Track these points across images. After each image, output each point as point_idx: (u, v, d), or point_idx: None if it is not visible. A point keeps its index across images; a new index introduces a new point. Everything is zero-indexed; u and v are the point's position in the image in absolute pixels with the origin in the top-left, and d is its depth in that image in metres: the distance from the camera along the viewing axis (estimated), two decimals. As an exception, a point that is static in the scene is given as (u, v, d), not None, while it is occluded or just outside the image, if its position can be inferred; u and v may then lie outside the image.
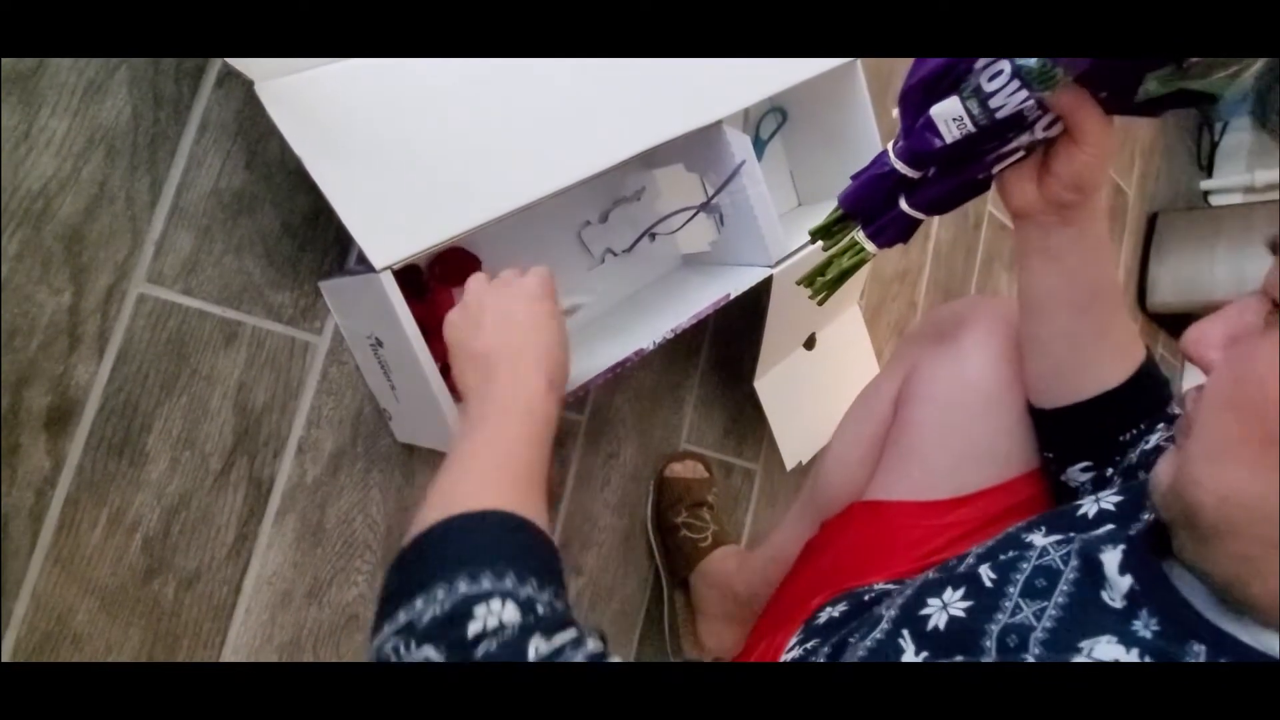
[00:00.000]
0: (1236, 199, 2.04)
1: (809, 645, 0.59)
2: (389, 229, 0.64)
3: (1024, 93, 0.46)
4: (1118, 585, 0.41)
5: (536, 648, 0.36)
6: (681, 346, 1.05)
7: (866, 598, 0.61)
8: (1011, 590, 0.44)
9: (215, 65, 0.69)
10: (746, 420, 1.13)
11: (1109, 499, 0.49)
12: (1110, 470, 0.58)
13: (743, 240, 0.88)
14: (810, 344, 1.15)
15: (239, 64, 0.60)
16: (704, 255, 0.96)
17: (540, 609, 0.39)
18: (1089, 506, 0.49)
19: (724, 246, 0.92)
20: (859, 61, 0.95)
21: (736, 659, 0.74)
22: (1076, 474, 0.60)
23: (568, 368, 0.61)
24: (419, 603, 0.39)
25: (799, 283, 0.65)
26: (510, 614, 0.37)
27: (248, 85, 0.62)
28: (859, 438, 0.72)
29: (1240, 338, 0.39)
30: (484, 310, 0.61)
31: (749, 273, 0.87)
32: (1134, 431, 0.57)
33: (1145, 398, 0.58)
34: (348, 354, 0.78)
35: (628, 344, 0.78)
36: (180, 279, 0.68)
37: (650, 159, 0.92)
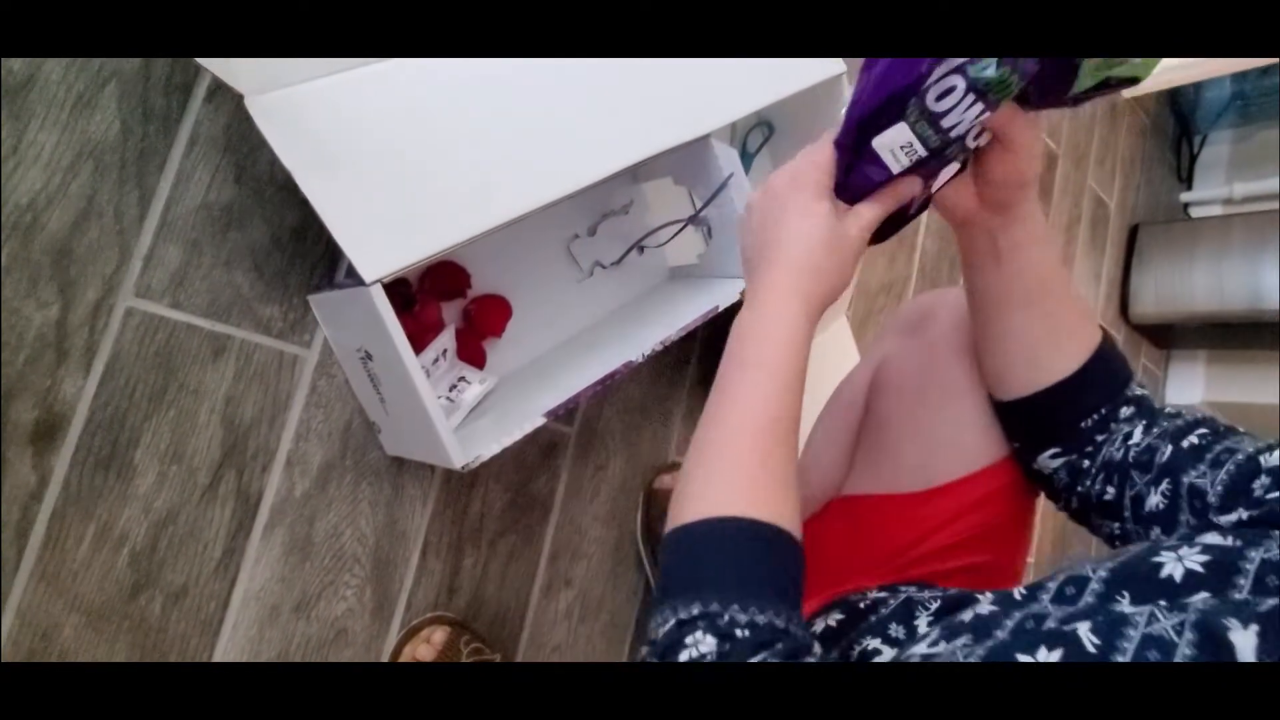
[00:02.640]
0: (1216, 211, 2.07)
1: None
2: (379, 242, 0.64)
3: (980, 105, 0.46)
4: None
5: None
6: (670, 359, 1.06)
7: (862, 605, 0.61)
8: (1119, 659, 0.39)
9: (205, 80, 0.70)
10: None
11: (1192, 558, 0.45)
12: (1085, 461, 0.58)
13: (731, 253, 0.89)
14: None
15: (229, 78, 0.60)
16: (692, 268, 0.97)
17: (739, 632, 0.40)
18: (1171, 567, 0.45)
19: (712, 259, 0.93)
20: (844, 75, 0.96)
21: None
22: (1047, 461, 0.60)
23: (822, 271, 0.51)
24: (657, 617, 0.43)
25: None
26: (708, 644, 0.40)
27: (237, 100, 0.62)
28: (834, 432, 0.72)
29: None
30: (751, 210, 0.55)
31: (737, 285, 0.88)
32: (1096, 416, 0.58)
33: (1102, 382, 0.58)
34: (337, 367, 0.78)
35: (616, 356, 0.78)
36: (168, 293, 0.68)
37: (638, 173, 0.93)
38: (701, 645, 0.40)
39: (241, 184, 0.72)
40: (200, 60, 0.56)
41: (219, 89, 0.70)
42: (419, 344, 0.76)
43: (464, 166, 0.70)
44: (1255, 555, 0.43)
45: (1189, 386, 2.14)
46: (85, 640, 0.64)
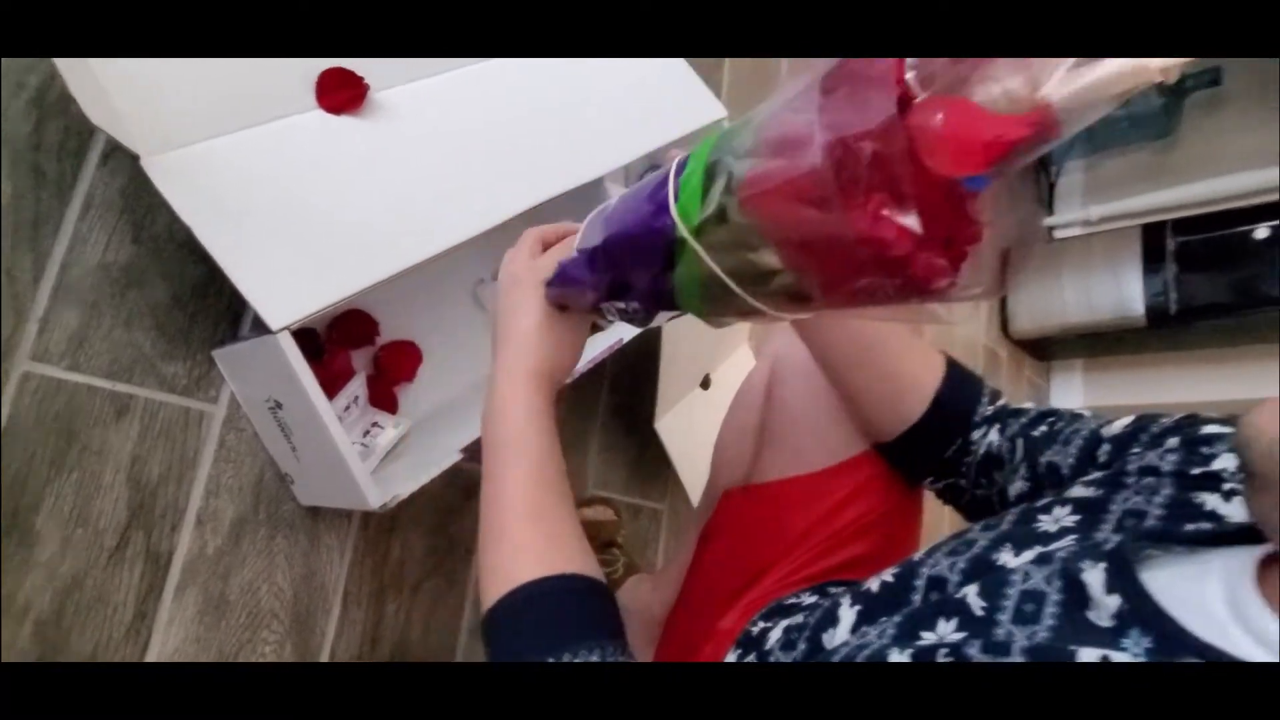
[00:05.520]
0: (1076, 232, 2.26)
1: (750, 660, 0.61)
2: (284, 291, 0.66)
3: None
4: (1105, 605, 0.40)
5: None
6: (581, 396, 1.09)
7: (789, 603, 0.64)
8: (1002, 618, 0.43)
9: (99, 144, 0.70)
10: (650, 462, 1.16)
11: (1067, 518, 0.51)
12: (962, 480, 0.64)
13: (630, 288, 0.93)
14: (705, 384, 1.20)
15: (125, 139, 0.62)
16: (596, 305, 1.01)
17: None
18: (1048, 525, 0.51)
19: (614, 295, 0.97)
20: (725, 119, 1.04)
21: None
22: (931, 486, 0.67)
23: (546, 354, 0.57)
24: None
25: None
26: None
27: (133, 161, 0.63)
28: (740, 428, 0.77)
29: None
30: (497, 300, 0.60)
31: (639, 318, 0.92)
32: (956, 445, 0.64)
33: (951, 416, 0.64)
34: (245, 421, 0.78)
35: (527, 391, 0.81)
36: (66, 355, 0.68)
37: (537, 216, 0.97)
38: None
39: (140, 244, 0.72)
40: (96, 121, 0.57)
41: (114, 152, 0.71)
42: (329, 392, 0.76)
43: (365, 216, 0.73)
44: (1117, 501, 0.50)
45: (1070, 395, 2.30)
46: (-14, 719, 0.62)
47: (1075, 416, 0.62)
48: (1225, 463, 0.49)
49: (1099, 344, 2.16)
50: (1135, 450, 0.54)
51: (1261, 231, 1.77)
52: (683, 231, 0.41)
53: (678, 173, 0.43)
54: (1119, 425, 0.57)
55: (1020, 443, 0.61)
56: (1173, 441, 0.53)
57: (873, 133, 0.33)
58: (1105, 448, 0.56)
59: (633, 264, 0.48)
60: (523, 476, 0.51)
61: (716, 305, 0.44)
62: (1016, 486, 0.61)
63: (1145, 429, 0.56)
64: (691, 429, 1.15)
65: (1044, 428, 0.61)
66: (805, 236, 0.36)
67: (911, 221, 0.34)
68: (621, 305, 0.52)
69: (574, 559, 0.48)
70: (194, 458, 0.74)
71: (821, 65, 0.37)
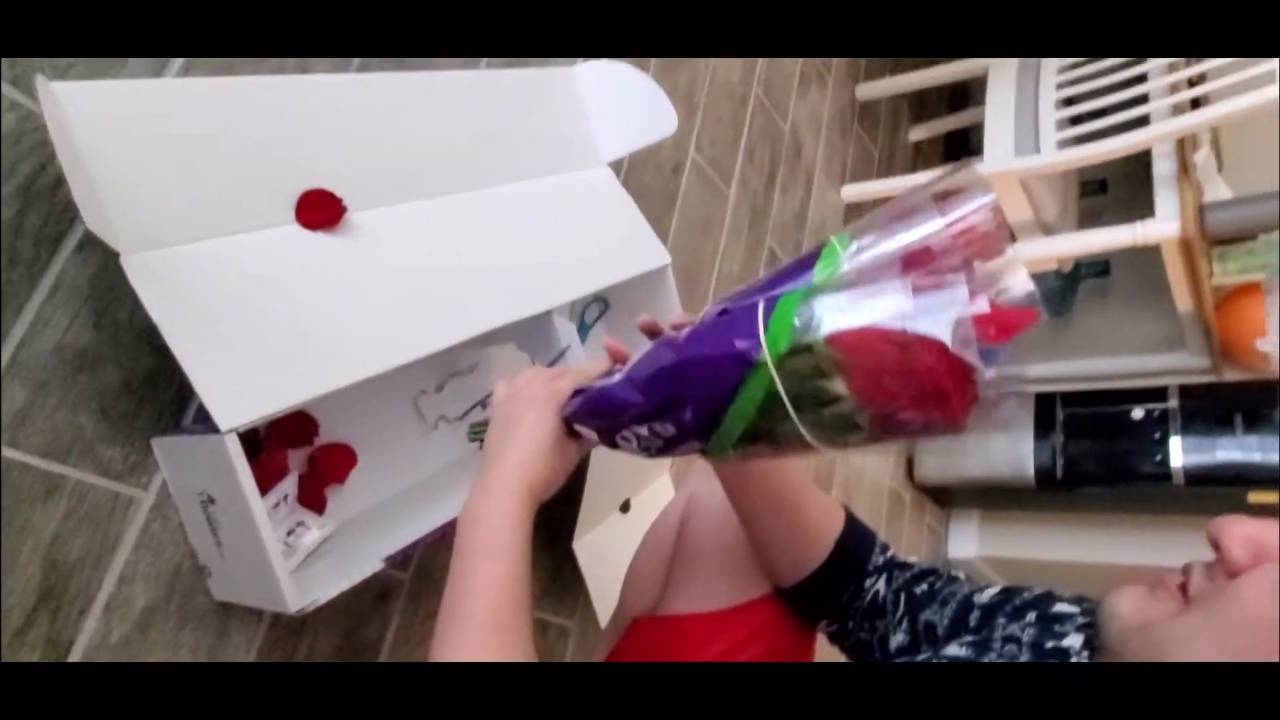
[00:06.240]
0: (980, 390, 2.44)
1: None
2: (237, 394, 0.69)
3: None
4: None
5: None
6: (505, 508, 1.12)
7: None
8: None
9: (77, 232, 0.74)
10: (564, 579, 1.19)
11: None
12: (850, 622, 0.71)
13: (565, 413, 0.99)
14: (625, 508, 1.25)
15: (109, 238, 0.65)
16: (530, 424, 1.06)
17: None
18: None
19: (549, 418, 1.02)
20: (669, 265, 1.13)
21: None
22: (825, 629, 0.74)
23: (546, 471, 0.62)
24: None
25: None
26: None
27: (106, 253, 0.67)
28: (651, 556, 0.82)
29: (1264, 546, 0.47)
30: (495, 410, 0.66)
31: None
32: (851, 589, 0.71)
33: (848, 562, 0.72)
34: (173, 509, 0.78)
35: (458, 504, 0.84)
36: (7, 431, 0.69)
37: (485, 338, 1.02)
38: None
39: (100, 329, 0.75)
40: (90, 226, 0.61)
41: (90, 242, 0.74)
42: (261, 489, 0.78)
43: (326, 327, 0.77)
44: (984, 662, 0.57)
45: (966, 542, 2.42)
46: None
47: (951, 579, 0.70)
48: (1072, 641, 0.57)
49: (995, 497, 2.30)
50: (1000, 619, 0.62)
51: (1138, 413, 1.96)
52: (765, 355, 0.49)
53: (766, 313, 0.51)
54: (988, 594, 0.66)
55: (903, 596, 0.69)
56: (1031, 616, 0.61)
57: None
58: (975, 614, 0.64)
59: (698, 385, 0.53)
60: (491, 583, 0.55)
61: (759, 434, 0.51)
62: (898, 639, 0.68)
63: (1010, 600, 0.64)
64: (608, 551, 1.19)
65: (925, 586, 0.69)
66: (881, 369, 0.46)
67: (972, 356, 0.43)
68: (645, 431, 0.57)
69: None
70: (115, 542, 0.75)
71: (897, 250, 0.50)
